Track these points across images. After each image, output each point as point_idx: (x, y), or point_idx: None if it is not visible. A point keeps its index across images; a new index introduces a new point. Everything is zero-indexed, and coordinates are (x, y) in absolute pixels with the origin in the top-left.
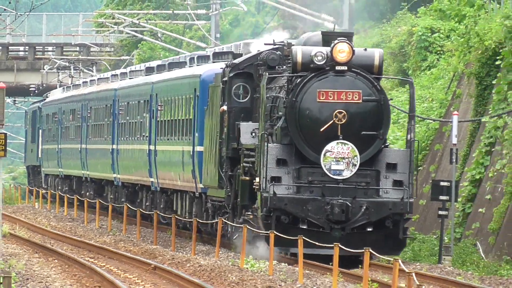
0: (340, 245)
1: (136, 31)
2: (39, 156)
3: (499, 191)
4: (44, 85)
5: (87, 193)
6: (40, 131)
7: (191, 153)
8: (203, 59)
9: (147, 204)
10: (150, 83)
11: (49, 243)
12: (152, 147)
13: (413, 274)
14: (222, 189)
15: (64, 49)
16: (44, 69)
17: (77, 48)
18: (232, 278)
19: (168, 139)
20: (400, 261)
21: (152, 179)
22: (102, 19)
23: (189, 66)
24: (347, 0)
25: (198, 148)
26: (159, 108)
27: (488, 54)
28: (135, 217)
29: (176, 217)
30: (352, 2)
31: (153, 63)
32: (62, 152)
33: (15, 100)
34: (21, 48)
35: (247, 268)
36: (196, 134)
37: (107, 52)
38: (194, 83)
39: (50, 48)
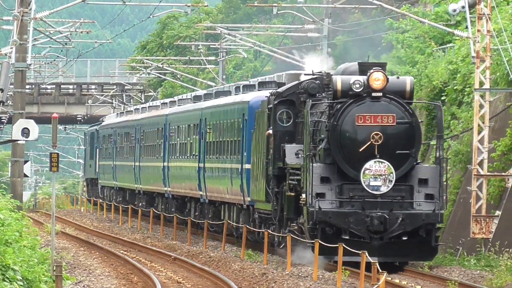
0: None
1: (160, 73)
2: (97, 170)
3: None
4: (88, 115)
5: (140, 204)
6: (98, 149)
7: (239, 170)
8: (248, 87)
9: (196, 213)
10: (200, 109)
11: (92, 239)
12: (201, 165)
13: (377, 264)
14: (269, 203)
15: (104, 87)
16: (88, 103)
17: (114, 87)
18: (235, 266)
19: (216, 158)
20: (366, 253)
21: (201, 192)
22: (134, 63)
23: (235, 94)
24: (325, 49)
25: (246, 166)
26: (208, 131)
27: (435, 91)
28: (182, 224)
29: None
30: (329, 51)
31: (200, 92)
32: (117, 168)
33: (65, 127)
34: (71, 86)
35: (246, 259)
36: (245, 154)
37: (138, 89)
38: (243, 108)
39: (93, 87)
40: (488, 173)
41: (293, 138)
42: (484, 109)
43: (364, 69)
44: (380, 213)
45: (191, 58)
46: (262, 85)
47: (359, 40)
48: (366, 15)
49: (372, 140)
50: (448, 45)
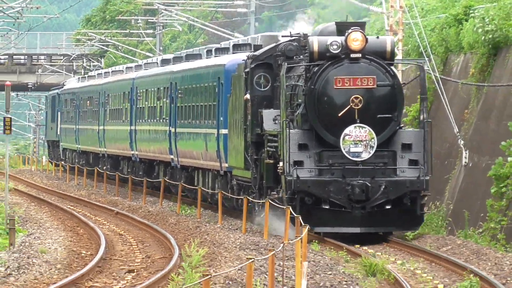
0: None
1: (103, 45)
2: (58, 133)
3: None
4: (38, 83)
5: (104, 167)
6: (59, 113)
7: (215, 135)
8: (221, 51)
9: (166, 178)
10: (170, 72)
11: (42, 195)
12: (172, 129)
13: (300, 218)
14: (248, 170)
15: (52, 58)
16: (38, 72)
17: (62, 57)
18: (171, 220)
19: (189, 122)
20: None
21: (172, 156)
22: (79, 36)
23: (206, 57)
24: (253, 23)
25: (223, 131)
26: (179, 95)
27: None
28: (152, 189)
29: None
30: (257, 25)
31: (169, 56)
32: (80, 131)
33: (17, 94)
34: (22, 57)
35: (182, 213)
36: (221, 119)
37: (99, 55)
38: (218, 72)
39: (42, 57)
40: None
41: (271, 103)
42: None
43: (342, 29)
44: (361, 181)
45: (131, 31)
46: (237, 47)
47: (283, 16)
48: None
49: (351, 104)
50: (364, 19)
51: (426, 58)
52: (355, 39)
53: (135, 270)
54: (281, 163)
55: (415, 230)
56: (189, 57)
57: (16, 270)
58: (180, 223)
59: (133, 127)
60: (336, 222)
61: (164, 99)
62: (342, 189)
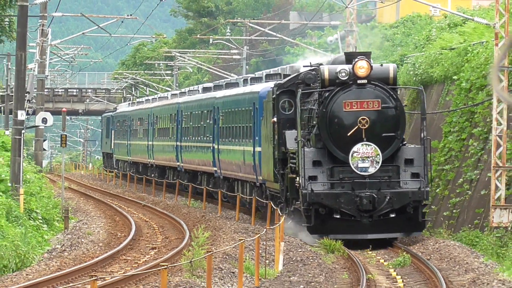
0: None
1: (134, 81)
2: (112, 147)
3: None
4: (86, 109)
5: (152, 175)
6: (113, 131)
7: (252, 152)
8: (255, 80)
9: (210, 186)
10: (213, 98)
11: (88, 192)
12: (215, 146)
13: (278, 209)
14: (277, 182)
15: (96, 91)
16: (86, 101)
17: (104, 91)
18: (184, 211)
19: (229, 140)
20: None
21: (215, 168)
22: (116, 75)
23: (243, 85)
24: (244, 67)
25: (258, 149)
26: (221, 117)
27: None
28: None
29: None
30: (247, 68)
31: (209, 84)
32: (131, 146)
33: (71, 118)
34: (74, 90)
35: (192, 205)
36: (256, 138)
37: (119, 92)
38: (253, 98)
39: (89, 90)
40: None
41: (294, 125)
42: None
43: (350, 58)
44: (369, 193)
45: (154, 72)
46: (269, 77)
47: (266, 61)
48: (272, 44)
49: (359, 124)
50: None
51: None
52: (361, 67)
53: (157, 247)
54: (298, 178)
55: (417, 234)
56: (228, 85)
57: (69, 247)
58: (190, 213)
59: (178, 143)
60: (347, 230)
61: (208, 120)
62: (351, 200)
